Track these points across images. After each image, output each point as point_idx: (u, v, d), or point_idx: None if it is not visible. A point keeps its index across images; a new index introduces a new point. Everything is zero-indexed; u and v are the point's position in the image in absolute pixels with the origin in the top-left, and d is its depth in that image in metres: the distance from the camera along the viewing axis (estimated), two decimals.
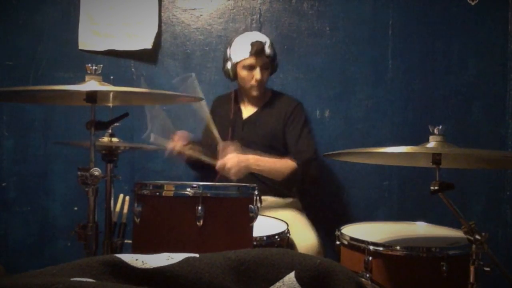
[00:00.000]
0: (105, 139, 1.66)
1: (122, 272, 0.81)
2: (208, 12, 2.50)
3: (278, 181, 1.99)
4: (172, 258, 0.84)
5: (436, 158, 1.30)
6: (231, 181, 2.05)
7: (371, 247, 1.46)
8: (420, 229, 1.78)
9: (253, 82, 2.04)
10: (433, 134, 1.34)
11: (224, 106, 2.20)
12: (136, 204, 1.33)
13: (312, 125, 2.44)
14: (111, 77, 2.34)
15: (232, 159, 1.81)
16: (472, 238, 1.24)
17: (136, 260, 0.82)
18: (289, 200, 2.11)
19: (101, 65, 1.39)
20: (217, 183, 1.40)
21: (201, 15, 2.50)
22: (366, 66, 2.45)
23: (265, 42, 2.03)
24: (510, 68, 2.41)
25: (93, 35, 2.47)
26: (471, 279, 1.26)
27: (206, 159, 1.99)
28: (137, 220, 1.31)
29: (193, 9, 2.50)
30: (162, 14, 2.49)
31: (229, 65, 2.06)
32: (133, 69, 2.50)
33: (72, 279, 0.74)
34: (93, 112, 1.35)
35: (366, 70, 2.45)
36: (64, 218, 2.50)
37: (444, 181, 1.25)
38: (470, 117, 2.43)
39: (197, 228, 1.24)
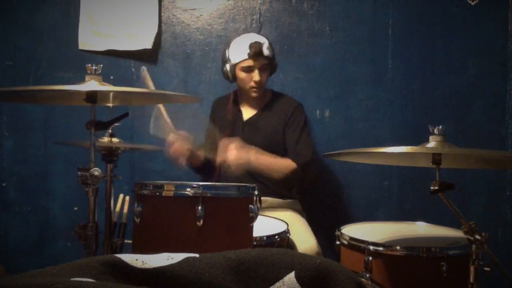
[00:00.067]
0: (105, 139, 1.66)
1: (122, 272, 0.81)
2: (208, 12, 2.50)
3: (277, 180, 1.99)
4: (172, 258, 0.84)
5: (436, 158, 1.30)
6: (231, 178, 2.06)
7: (371, 247, 1.46)
8: (420, 229, 1.78)
9: (252, 84, 2.03)
10: (433, 134, 1.34)
11: (224, 108, 2.20)
12: (136, 204, 1.33)
13: (312, 125, 2.44)
14: (111, 77, 2.35)
15: (233, 154, 1.81)
16: (472, 238, 1.24)
17: (136, 260, 0.82)
18: (289, 201, 2.11)
19: (101, 65, 1.38)
20: (217, 183, 1.40)
21: (201, 15, 2.50)
22: (366, 66, 2.45)
23: (263, 43, 2.02)
24: (510, 68, 2.41)
25: (93, 35, 2.47)
26: (471, 279, 1.26)
27: (206, 154, 2.00)
28: (137, 220, 1.31)
29: (193, 9, 2.50)
30: (162, 14, 2.49)
31: (227, 66, 2.05)
32: (133, 69, 2.50)
33: (72, 279, 0.74)
34: (93, 112, 1.35)
35: (366, 70, 2.45)
36: (64, 218, 2.50)
37: (444, 181, 1.25)
38: (470, 117, 2.43)
39: (197, 228, 1.24)
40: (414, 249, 1.43)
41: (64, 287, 0.69)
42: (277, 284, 0.84)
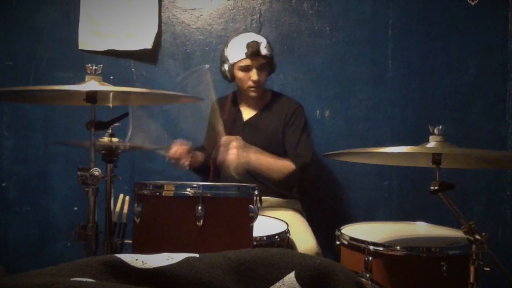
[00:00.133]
0: (105, 139, 1.65)
1: (122, 272, 0.81)
2: (208, 12, 2.50)
3: (276, 181, 1.99)
4: (172, 258, 0.84)
5: (436, 158, 1.30)
6: (231, 178, 2.06)
7: (371, 247, 1.46)
8: (420, 229, 1.78)
9: (250, 83, 2.03)
10: (433, 134, 1.34)
11: (224, 108, 2.20)
12: (136, 204, 1.33)
13: (312, 125, 2.44)
14: (111, 77, 2.35)
15: (233, 153, 1.81)
16: (472, 238, 1.24)
17: (136, 260, 0.82)
18: (289, 200, 2.11)
19: (101, 65, 1.39)
20: (217, 183, 1.40)
21: (201, 15, 2.50)
22: (366, 66, 2.45)
23: (261, 42, 2.01)
24: (510, 68, 2.41)
25: (93, 35, 2.47)
26: (471, 279, 1.26)
27: (206, 155, 2.01)
28: (137, 220, 1.31)
29: (193, 9, 2.51)
30: (162, 14, 2.49)
31: (226, 66, 2.05)
32: (133, 69, 2.50)
33: (72, 279, 0.74)
34: (93, 112, 1.35)
35: (366, 70, 2.45)
36: (64, 218, 2.50)
37: (444, 181, 1.25)
38: (470, 117, 2.43)
39: (197, 228, 1.24)
40: (414, 249, 1.43)
41: (64, 287, 0.69)
42: (277, 284, 0.84)
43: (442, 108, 2.43)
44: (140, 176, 2.44)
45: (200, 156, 2.13)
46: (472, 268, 1.25)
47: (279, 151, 2.04)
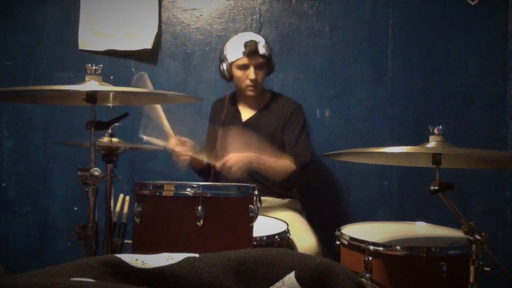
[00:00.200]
0: (105, 139, 1.65)
1: (122, 272, 0.81)
2: (208, 12, 2.50)
3: (277, 181, 1.99)
4: (172, 258, 0.84)
5: (436, 158, 1.30)
6: (231, 180, 2.06)
7: (371, 247, 1.46)
8: (420, 229, 1.78)
9: (247, 82, 2.03)
10: (433, 134, 1.34)
11: (222, 109, 2.20)
12: (136, 204, 1.33)
13: (312, 125, 2.44)
14: (111, 77, 2.35)
15: (233, 157, 1.81)
16: (472, 238, 1.24)
17: (136, 260, 0.82)
18: (289, 200, 2.11)
19: (101, 65, 1.39)
20: (217, 183, 1.40)
21: (201, 15, 2.50)
22: (366, 66, 2.45)
23: (259, 41, 2.02)
24: (510, 68, 2.41)
25: (93, 35, 2.47)
26: (471, 279, 1.26)
27: (206, 159, 2.00)
28: (137, 220, 1.31)
29: (193, 9, 2.51)
30: (162, 14, 2.49)
31: (224, 65, 2.06)
32: (133, 69, 2.50)
33: (72, 279, 0.74)
34: (93, 112, 1.35)
35: (366, 70, 2.45)
36: (64, 218, 2.50)
37: (444, 181, 1.25)
38: (470, 117, 2.43)
39: (197, 228, 1.24)
40: (414, 249, 1.43)
41: (64, 287, 0.69)
42: (277, 284, 0.84)
43: (442, 108, 2.43)
44: (140, 176, 2.44)
45: (202, 157, 2.13)
46: (472, 268, 1.25)
47: (279, 151, 2.04)
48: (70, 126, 2.45)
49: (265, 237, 1.52)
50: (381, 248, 1.45)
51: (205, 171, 2.13)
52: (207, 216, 1.25)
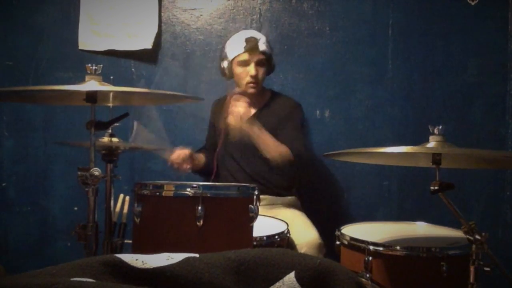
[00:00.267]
0: (105, 139, 1.65)
1: (122, 272, 0.80)
2: (208, 12, 2.50)
3: (272, 163, 1.96)
4: (172, 258, 0.83)
5: (436, 158, 1.30)
6: (231, 180, 2.06)
7: (371, 247, 1.46)
8: (420, 229, 1.78)
9: (248, 79, 2.03)
10: (433, 134, 1.34)
11: (223, 109, 2.20)
12: (136, 204, 1.33)
13: (312, 125, 2.44)
14: (111, 77, 2.36)
15: (238, 117, 1.82)
16: (472, 238, 1.24)
17: (136, 260, 0.82)
18: (288, 198, 2.11)
19: (101, 65, 1.39)
20: (217, 183, 1.40)
21: (201, 15, 2.50)
22: (366, 66, 2.45)
23: (260, 38, 2.03)
24: (510, 68, 2.41)
25: (93, 35, 2.47)
26: (471, 279, 1.26)
27: (207, 156, 2.03)
28: (137, 220, 1.31)
29: (193, 9, 2.51)
30: (162, 14, 2.49)
31: (225, 63, 2.06)
32: (133, 69, 2.50)
33: (72, 279, 0.74)
34: (93, 112, 1.35)
35: (366, 70, 2.45)
36: (64, 218, 2.50)
37: (444, 181, 1.25)
38: (470, 117, 2.43)
39: (197, 228, 1.24)
40: (414, 249, 1.43)
41: (64, 287, 0.69)
42: (277, 284, 0.84)
43: (442, 108, 2.43)
44: (140, 176, 2.44)
45: (201, 158, 2.14)
46: (472, 268, 1.25)
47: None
48: (70, 126, 2.45)
49: (265, 237, 1.52)
50: (381, 248, 1.45)
51: (205, 171, 2.14)
52: (207, 216, 1.25)
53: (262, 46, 2.02)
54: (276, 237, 1.56)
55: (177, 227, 1.29)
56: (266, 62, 2.06)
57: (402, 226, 1.82)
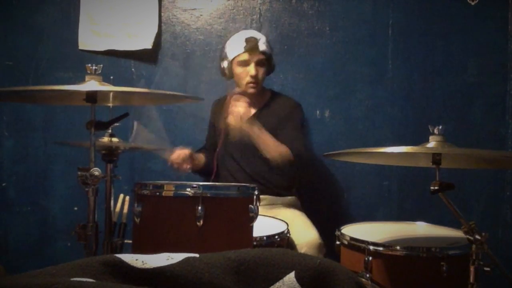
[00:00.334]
0: (105, 139, 1.65)
1: (122, 272, 0.80)
2: (208, 12, 2.50)
3: (271, 163, 1.96)
4: (172, 258, 0.83)
5: (436, 158, 1.30)
6: (231, 181, 2.06)
7: (371, 247, 1.46)
8: (420, 229, 1.78)
9: (248, 79, 2.02)
10: (433, 134, 1.34)
11: (223, 109, 2.20)
12: (136, 204, 1.33)
13: (312, 125, 2.44)
14: (111, 77, 2.36)
15: (238, 117, 1.81)
16: (472, 238, 1.24)
17: (136, 260, 0.82)
18: (288, 198, 2.11)
19: (101, 65, 1.39)
20: (217, 183, 1.40)
21: (201, 15, 2.50)
22: (366, 66, 2.45)
23: (260, 38, 2.03)
24: (510, 68, 2.41)
25: (93, 35, 2.47)
26: (471, 279, 1.26)
27: (207, 156, 2.03)
28: (137, 220, 1.31)
29: (193, 9, 2.51)
30: (162, 14, 2.49)
31: (225, 63, 2.06)
32: (133, 69, 2.50)
33: (72, 279, 0.74)
34: (93, 112, 1.35)
35: (366, 70, 2.45)
36: (64, 218, 2.50)
37: (444, 181, 1.25)
38: (470, 117, 2.43)
39: (197, 228, 1.24)
40: (414, 249, 1.43)
41: (64, 287, 0.69)
42: (277, 284, 0.84)
43: (442, 108, 2.43)
44: (140, 176, 2.44)
45: (202, 158, 2.14)
46: (472, 268, 1.25)
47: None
48: (70, 126, 2.45)
49: (265, 237, 1.52)
50: (381, 248, 1.45)
51: (205, 171, 2.14)
52: (207, 216, 1.25)
53: (262, 46, 2.02)
54: (276, 237, 1.56)
55: (177, 227, 1.29)
56: (266, 62, 2.06)
57: (402, 226, 1.82)
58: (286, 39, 2.46)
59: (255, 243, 1.45)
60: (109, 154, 1.63)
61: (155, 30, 2.46)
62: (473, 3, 2.39)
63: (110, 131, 1.65)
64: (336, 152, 1.50)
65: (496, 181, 2.42)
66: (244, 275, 0.84)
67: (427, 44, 2.44)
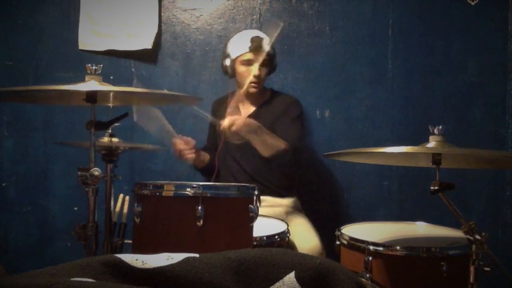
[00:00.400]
0: (105, 139, 1.65)
1: (122, 272, 0.80)
2: (208, 12, 2.50)
3: (266, 158, 1.95)
4: (172, 258, 0.83)
5: (436, 158, 1.30)
6: (232, 179, 2.06)
7: (371, 247, 1.46)
8: (420, 229, 1.78)
9: (251, 78, 2.03)
10: (433, 134, 1.34)
11: (223, 108, 2.20)
12: (136, 204, 1.33)
13: (312, 125, 2.44)
14: (111, 77, 2.36)
15: (239, 121, 1.81)
16: (472, 238, 1.24)
17: (136, 260, 0.82)
18: (288, 200, 2.11)
19: (101, 65, 1.38)
20: (217, 183, 1.40)
21: (201, 15, 2.50)
22: (366, 66, 2.45)
23: (264, 39, 2.03)
24: (510, 68, 2.41)
25: (93, 35, 2.47)
26: (471, 279, 1.26)
27: (209, 155, 2.02)
28: (137, 220, 1.31)
29: (193, 9, 2.51)
30: (162, 14, 2.49)
31: (227, 61, 2.06)
32: (133, 69, 2.50)
33: (72, 279, 0.74)
34: (93, 112, 1.35)
35: (366, 70, 2.45)
36: (64, 218, 2.50)
37: (444, 181, 1.25)
38: (470, 117, 2.43)
39: (197, 228, 1.24)
40: (414, 249, 1.43)
41: (64, 287, 0.69)
42: (277, 284, 0.84)
43: (442, 108, 2.43)
44: (140, 176, 2.44)
45: (206, 155, 2.14)
46: (472, 268, 1.25)
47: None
48: (70, 126, 2.45)
49: (265, 237, 1.52)
50: (381, 248, 1.45)
51: (208, 170, 2.14)
52: (207, 216, 1.25)
53: (267, 47, 2.02)
54: (276, 237, 1.56)
55: (177, 227, 1.29)
56: (269, 62, 2.06)
57: (402, 226, 1.82)
58: (286, 39, 2.46)
59: (255, 243, 1.45)
60: (109, 154, 1.63)
61: (155, 30, 2.46)
62: (473, 3, 2.39)
63: (110, 131, 1.65)
64: (336, 152, 1.50)
65: (496, 181, 2.42)
66: (244, 275, 0.84)
67: (427, 44, 2.44)
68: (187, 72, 2.51)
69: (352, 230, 1.63)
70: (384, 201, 2.45)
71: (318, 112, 2.46)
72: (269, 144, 1.92)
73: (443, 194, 1.25)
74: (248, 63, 2.02)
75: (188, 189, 1.27)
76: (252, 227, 1.34)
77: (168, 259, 0.83)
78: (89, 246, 1.36)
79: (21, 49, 2.51)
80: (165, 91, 1.75)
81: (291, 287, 0.83)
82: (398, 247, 1.44)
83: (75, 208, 2.46)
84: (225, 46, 2.09)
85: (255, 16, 2.48)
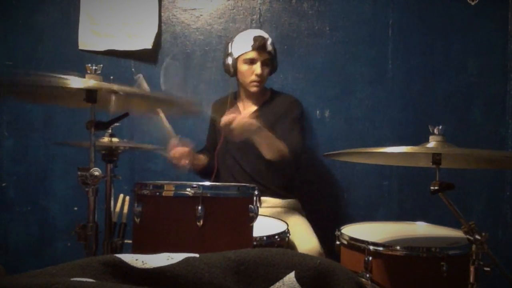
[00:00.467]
0: (105, 139, 1.65)
1: (122, 272, 0.80)
2: (208, 12, 2.50)
3: (267, 160, 1.95)
4: (172, 258, 0.83)
5: (436, 158, 1.30)
6: (231, 181, 2.06)
7: (371, 247, 1.46)
8: (420, 229, 1.78)
9: (253, 77, 2.03)
10: (433, 134, 1.34)
11: (223, 108, 2.20)
12: (136, 204, 1.33)
13: (312, 125, 2.44)
14: (111, 77, 2.36)
15: (240, 119, 1.79)
16: (472, 238, 1.24)
17: (136, 260, 0.82)
18: (289, 200, 2.11)
19: (101, 65, 1.39)
20: (217, 183, 1.40)
21: (201, 15, 2.50)
22: (366, 66, 2.45)
23: (267, 38, 2.04)
24: (510, 68, 2.42)
25: (93, 35, 2.47)
26: (471, 279, 1.26)
27: (205, 160, 2.02)
28: (137, 220, 1.31)
29: (193, 9, 2.51)
30: (162, 14, 2.49)
31: (229, 60, 2.06)
32: (133, 69, 2.50)
33: (72, 279, 0.74)
34: (93, 112, 1.35)
35: (366, 70, 2.45)
36: (64, 218, 2.50)
37: (444, 181, 1.25)
38: (470, 117, 2.43)
39: (197, 228, 1.24)
40: (414, 249, 1.43)
41: (64, 287, 0.69)
42: (277, 284, 0.83)
43: (442, 108, 2.43)
44: (140, 176, 2.44)
45: (202, 158, 2.14)
46: (472, 268, 1.25)
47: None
48: (70, 126, 2.45)
49: (265, 237, 1.52)
50: (381, 248, 1.45)
51: (206, 171, 2.14)
52: (207, 216, 1.25)
53: (269, 47, 2.03)
54: (276, 237, 1.55)
55: (177, 227, 1.29)
56: (270, 62, 2.07)
57: (402, 226, 1.82)
58: (286, 39, 2.46)
59: (255, 243, 1.45)
60: (109, 154, 1.63)
61: (155, 30, 2.46)
62: (473, 3, 2.39)
63: (110, 131, 1.65)
64: (336, 152, 1.50)
65: (496, 181, 2.43)
66: (244, 275, 0.84)
67: (427, 44, 2.44)
68: (187, 72, 2.51)
69: (352, 230, 1.63)
70: (384, 201, 2.45)
71: (318, 112, 2.46)
72: (273, 146, 1.93)
73: (443, 194, 1.25)
74: (251, 61, 2.02)
75: (188, 189, 1.27)
76: (252, 227, 1.34)
77: (168, 259, 0.83)
78: (89, 246, 1.36)
79: (21, 49, 2.51)
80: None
81: (291, 287, 0.83)
82: (398, 247, 1.44)
83: (75, 208, 2.46)
84: (227, 45, 2.09)
85: (255, 16, 2.48)
